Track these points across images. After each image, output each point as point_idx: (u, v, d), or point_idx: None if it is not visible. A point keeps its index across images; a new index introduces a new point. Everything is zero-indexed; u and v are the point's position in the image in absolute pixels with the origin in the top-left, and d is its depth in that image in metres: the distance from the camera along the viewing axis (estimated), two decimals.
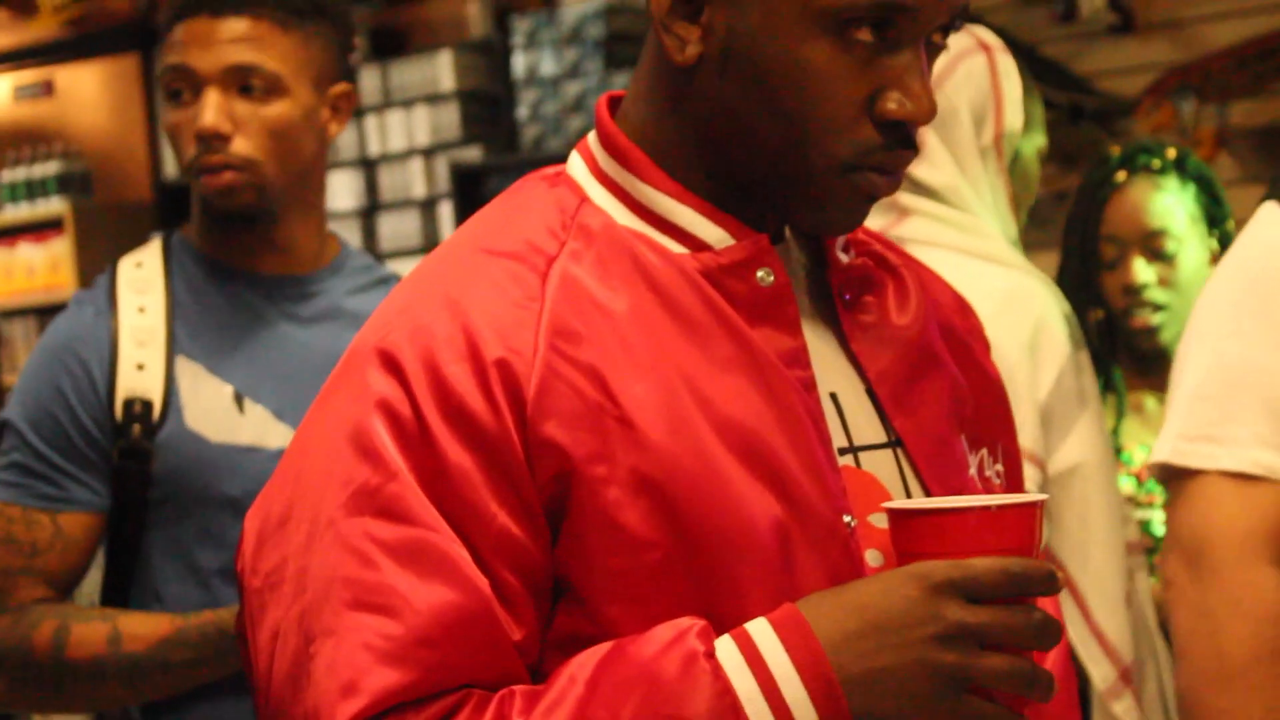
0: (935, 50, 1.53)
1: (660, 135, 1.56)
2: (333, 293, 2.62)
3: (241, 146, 2.44)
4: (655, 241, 1.53)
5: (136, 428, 2.47)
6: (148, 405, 2.48)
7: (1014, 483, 1.71)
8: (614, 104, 1.61)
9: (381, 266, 2.74)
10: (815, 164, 1.49)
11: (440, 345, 1.45)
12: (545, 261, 1.50)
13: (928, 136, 2.94)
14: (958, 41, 3.02)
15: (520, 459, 1.43)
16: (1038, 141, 3.05)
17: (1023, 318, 2.78)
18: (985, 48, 2.96)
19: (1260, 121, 5.38)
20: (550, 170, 1.61)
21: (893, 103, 1.48)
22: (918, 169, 2.98)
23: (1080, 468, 2.72)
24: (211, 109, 2.43)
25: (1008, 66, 2.96)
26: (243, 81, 2.44)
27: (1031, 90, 3.03)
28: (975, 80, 2.94)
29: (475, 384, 1.43)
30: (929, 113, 1.48)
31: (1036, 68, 5.68)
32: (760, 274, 1.53)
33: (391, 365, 1.45)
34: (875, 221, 3.05)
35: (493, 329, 1.45)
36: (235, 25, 2.45)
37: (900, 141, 1.50)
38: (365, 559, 1.41)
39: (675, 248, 1.53)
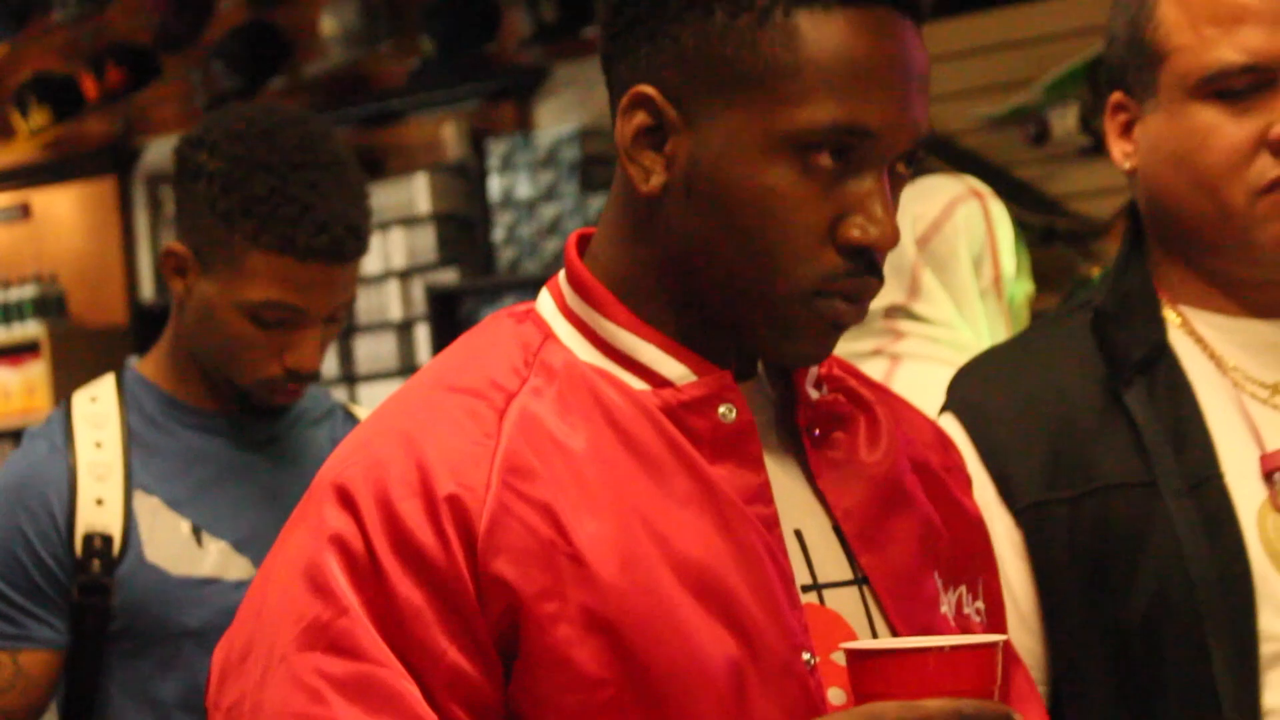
0: (899, 180, 1.53)
1: (627, 269, 1.56)
2: (288, 425, 2.63)
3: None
4: (617, 378, 1.54)
5: (96, 563, 2.46)
6: (107, 540, 2.47)
7: (996, 620, 1.70)
8: (584, 242, 1.61)
9: (329, 397, 2.77)
10: (780, 290, 1.49)
11: (394, 481, 1.45)
12: (505, 398, 1.51)
13: (925, 278, 3.02)
14: (951, 187, 3.16)
15: (471, 595, 1.43)
16: (1026, 287, 3.14)
17: None
18: (978, 194, 3.09)
19: None
20: (519, 307, 1.61)
21: (855, 229, 1.48)
22: (915, 305, 3.09)
23: None
24: (315, 351, 2.50)
25: (999, 213, 3.10)
26: (334, 315, 2.51)
27: (1020, 237, 3.12)
28: (973, 224, 3.07)
29: (426, 519, 1.43)
30: (892, 238, 1.48)
31: (1009, 189, 5.70)
32: (722, 410, 1.53)
33: (346, 500, 1.45)
34: (870, 341, 3.10)
35: (446, 465, 1.45)
36: (348, 270, 2.49)
37: (865, 268, 1.50)
38: (315, 694, 1.41)
39: (637, 384, 1.54)
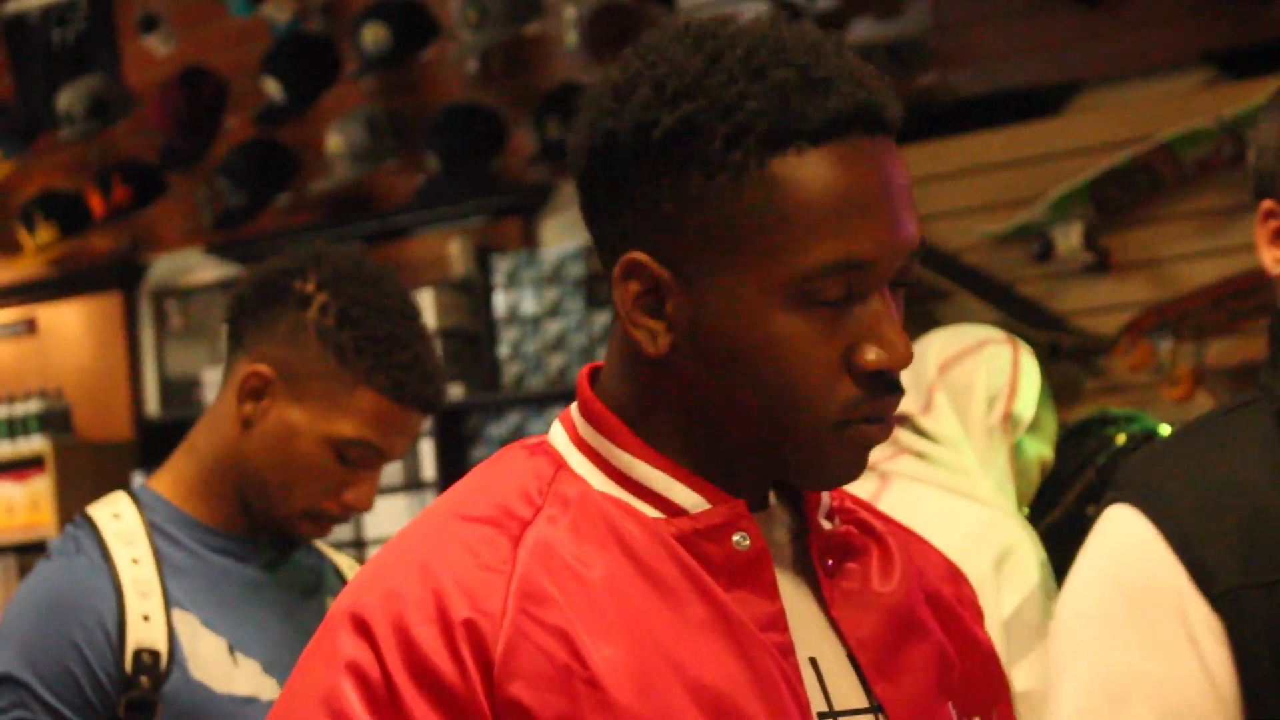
0: (899, 292, 1.53)
1: (638, 408, 1.56)
2: (304, 548, 2.65)
3: None
4: (631, 507, 1.54)
5: (145, 679, 2.45)
6: (156, 656, 2.46)
7: None
8: (594, 373, 1.62)
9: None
10: (805, 428, 1.50)
11: (410, 608, 1.45)
12: (520, 526, 1.51)
13: (939, 398, 3.15)
14: (989, 332, 3.32)
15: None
16: (1043, 450, 3.25)
17: (993, 542, 2.94)
18: (1013, 343, 3.22)
19: (1237, 360, 5.39)
20: (532, 440, 1.61)
21: (870, 354, 1.48)
22: (924, 419, 3.17)
23: (1028, 695, 2.84)
24: (374, 492, 2.54)
25: (1029, 365, 3.21)
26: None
27: (1048, 404, 3.22)
28: (996, 364, 3.20)
29: (443, 645, 1.44)
30: (905, 357, 1.49)
31: (1013, 306, 5.73)
32: (736, 538, 1.53)
33: (362, 628, 1.46)
34: (871, 456, 3.15)
35: (462, 591, 1.46)
36: (422, 420, 2.56)
37: (885, 389, 1.51)
38: None
39: (651, 513, 1.54)
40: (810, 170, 1.46)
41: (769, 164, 1.46)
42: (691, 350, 1.51)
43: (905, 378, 2.51)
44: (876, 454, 3.11)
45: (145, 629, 2.47)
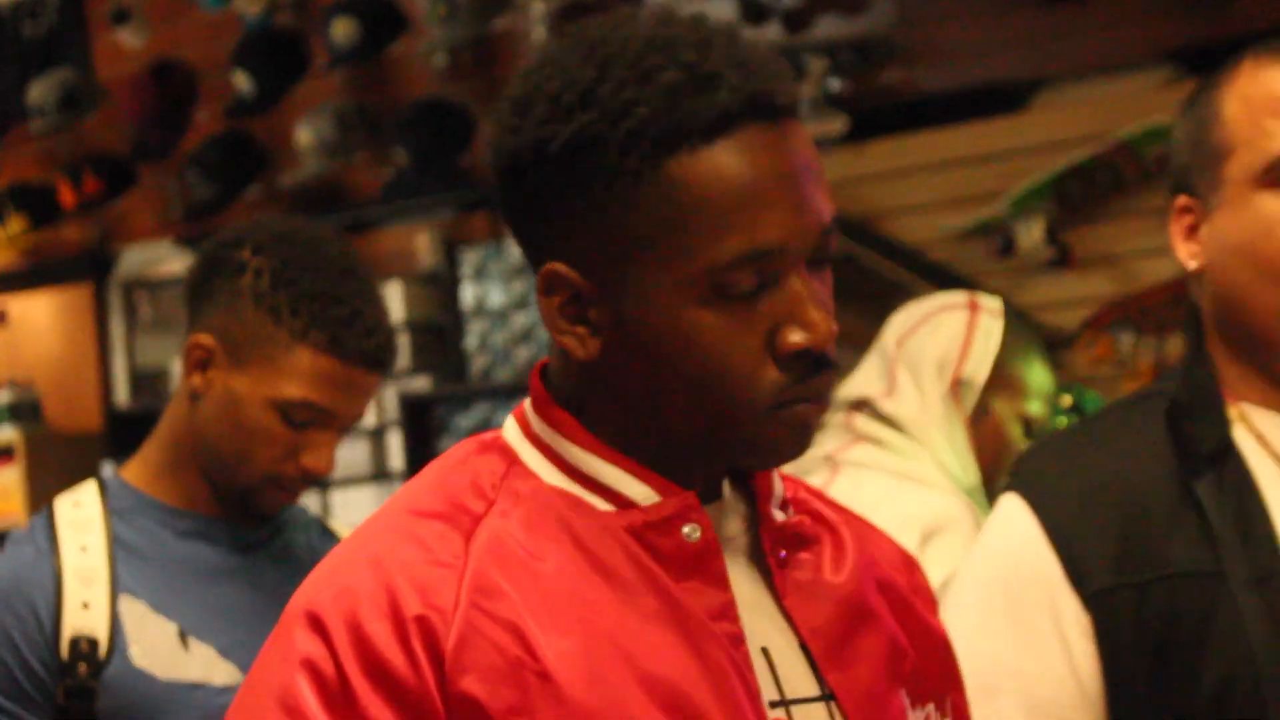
0: (821, 267, 1.54)
1: (585, 405, 1.58)
2: (273, 531, 2.64)
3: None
4: (583, 500, 1.55)
5: (82, 666, 2.45)
6: (94, 643, 2.46)
7: None
8: (545, 369, 1.63)
9: (306, 509, 2.78)
10: (740, 416, 1.50)
11: (363, 604, 1.46)
12: (472, 521, 1.52)
13: (901, 376, 3.16)
14: (949, 299, 3.30)
15: (440, 714, 1.44)
16: (1026, 408, 3.21)
17: (921, 520, 2.97)
18: (973, 307, 3.20)
19: None
20: (486, 435, 1.63)
21: (792, 336, 1.49)
22: (885, 402, 3.18)
23: None
24: (331, 455, 2.51)
25: (990, 327, 3.19)
26: (349, 424, 2.53)
27: (1032, 360, 3.20)
28: (945, 331, 3.20)
29: (395, 640, 1.45)
30: (827, 335, 1.50)
31: None
32: (686, 530, 1.54)
33: (317, 625, 1.47)
34: (830, 443, 3.15)
35: (414, 586, 1.47)
36: (376, 382, 2.52)
37: (813, 368, 1.51)
38: None
39: (603, 506, 1.55)
40: (705, 167, 1.47)
41: (664, 166, 1.47)
42: (620, 351, 1.52)
43: (871, 358, 2.54)
44: (833, 443, 3.13)
45: (84, 616, 2.46)
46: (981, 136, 5.79)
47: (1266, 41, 2.00)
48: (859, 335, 5.91)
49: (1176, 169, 2.05)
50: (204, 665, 2.48)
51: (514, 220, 1.57)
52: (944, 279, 5.80)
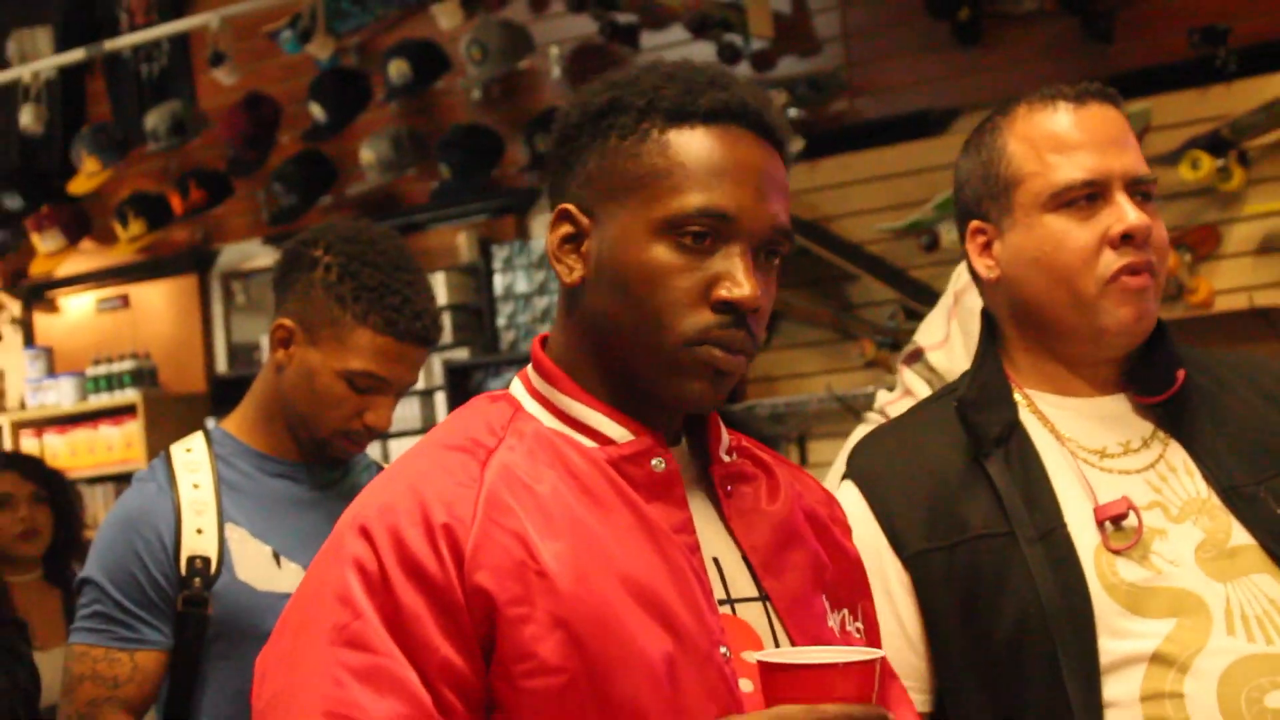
0: (770, 267, 1.57)
1: (572, 355, 1.61)
2: (344, 473, 2.65)
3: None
4: (573, 439, 1.58)
5: (197, 580, 2.47)
6: (206, 562, 2.48)
7: (872, 637, 1.72)
8: (544, 341, 1.66)
9: (368, 455, 2.78)
10: (667, 342, 1.52)
11: (401, 515, 1.48)
12: (486, 453, 1.54)
13: (954, 330, 2.96)
14: None
15: (460, 602, 1.45)
16: None
17: None
18: None
19: None
20: (496, 392, 1.65)
21: (722, 289, 1.51)
22: (934, 354, 2.98)
23: None
24: (389, 414, 2.51)
25: None
26: (404, 389, 2.52)
27: None
28: None
29: (427, 543, 1.46)
30: (752, 298, 1.51)
31: (907, 287, 5.76)
32: (654, 462, 1.56)
33: (364, 532, 1.49)
34: (884, 397, 3.04)
35: (441, 502, 1.49)
36: (424, 354, 2.52)
37: (734, 322, 1.52)
38: (336, 681, 1.44)
39: (588, 443, 1.57)
40: (697, 141, 1.53)
41: (667, 131, 1.54)
42: (595, 280, 1.56)
43: (937, 308, 2.48)
44: (885, 397, 2.93)
45: (198, 540, 2.48)
46: (911, 154, 5.81)
47: (1040, 90, 2.00)
48: (812, 314, 5.93)
49: (967, 200, 2.04)
50: (292, 579, 2.48)
51: (552, 172, 1.62)
52: (881, 269, 5.80)
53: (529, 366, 1.65)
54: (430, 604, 1.45)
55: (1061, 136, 1.96)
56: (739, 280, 1.51)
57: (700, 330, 1.51)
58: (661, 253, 1.51)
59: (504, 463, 1.53)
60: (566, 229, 1.58)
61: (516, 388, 1.64)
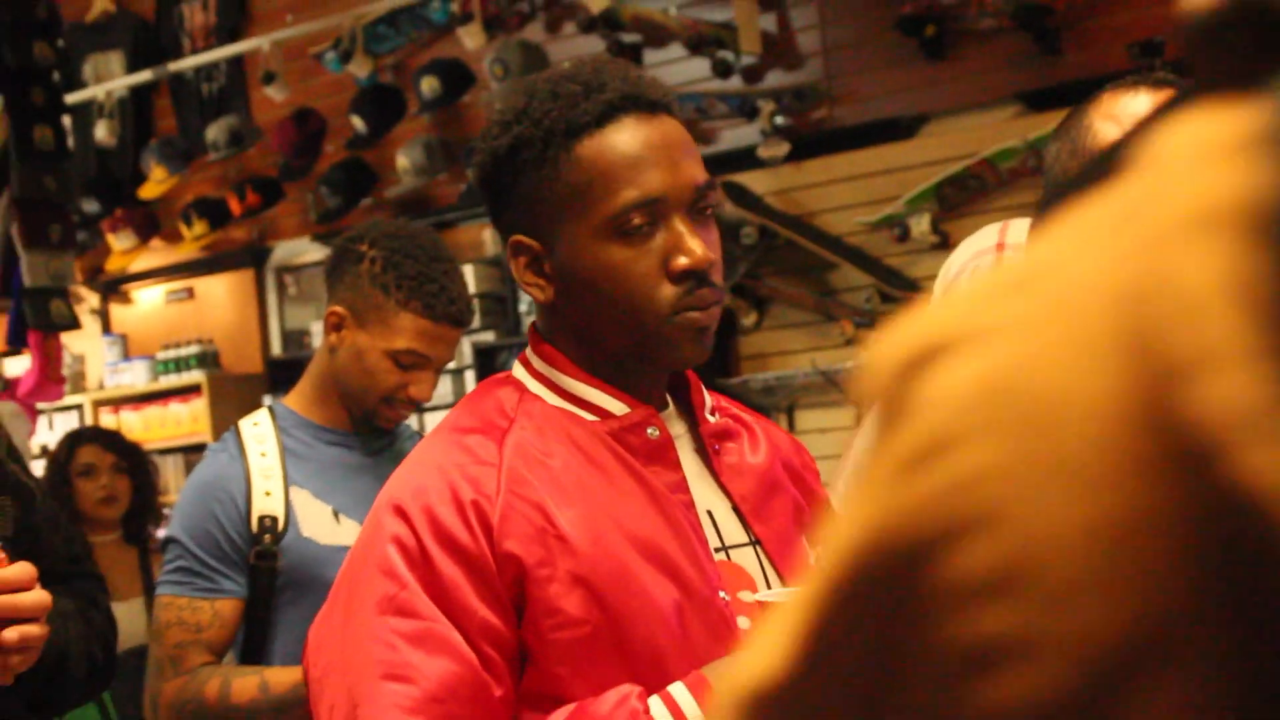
0: (705, 218, 1.53)
1: (562, 342, 1.59)
2: (391, 440, 2.64)
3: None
4: (575, 414, 1.57)
5: (267, 537, 2.48)
6: (274, 520, 2.48)
7: None
8: (535, 326, 1.65)
9: (410, 426, 2.77)
10: (649, 323, 1.50)
11: (432, 495, 1.47)
12: (501, 433, 1.53)
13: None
14: (984, 240, 2.69)
15: (492, 568, 1.44)
16: None
17: None
18: (1001, 248, 2.68)
19: None
20: (500, 376, 1.64)
21: (677, 260, 1.49)
22: None
23: None
24: (430, 388, 2.49)
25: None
26: (442, 365, 2.52)
27: None
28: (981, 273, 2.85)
29: (459, 519, 1.45)
30: (704, 259, 1.49)
31: (882, 274, 5.73)
32: (649, 431, 1.56)
33: (400, 513, 1.48)
34: None
35: (467, 480, 1.48)
36: (459, 334, 2.51)
37: (698, 283, 1.50)
38: (389, 645, 1.43)
39: (589, 417, 1.56)
40: (601, 145, 1.50)
41: (574, 149, 1.50)
42: (566, 291, 1.53)
43: (937, 280, 2.16)
44: None
45: (266, 501, 2.48)
46: (884, 156, 5.76)
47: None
48: (798, 298, 5.95)
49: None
50: (350, 534, 2.48)
51: (491, 212, 1.59)
52: (859, 258, 5.82)
53: (527, 350, 1.62)
54: (466, 572, 1.43)
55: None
56: (688, 247, 1.48)
57: (673, 302, 1.49)
58: (614, 251, 1.48)
59: (519, 441, 1.51)
60: (524, 257, 1.54)
61: (519, 371, 1.60)
